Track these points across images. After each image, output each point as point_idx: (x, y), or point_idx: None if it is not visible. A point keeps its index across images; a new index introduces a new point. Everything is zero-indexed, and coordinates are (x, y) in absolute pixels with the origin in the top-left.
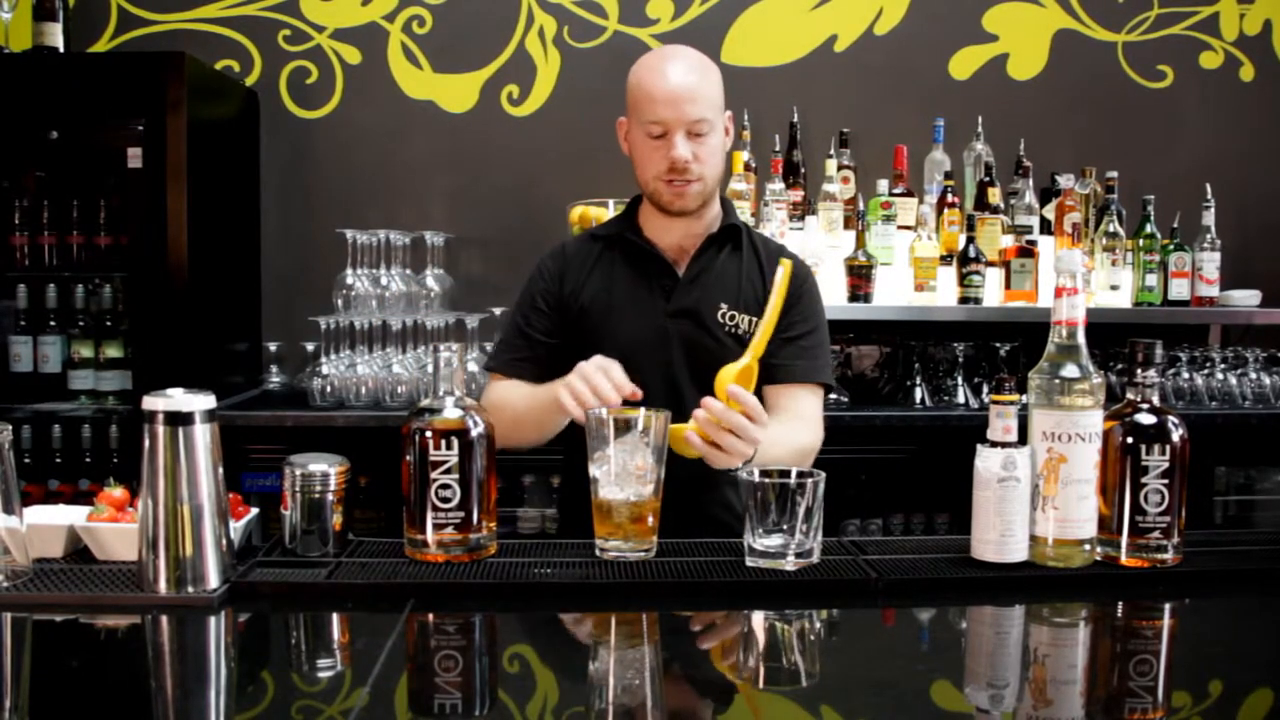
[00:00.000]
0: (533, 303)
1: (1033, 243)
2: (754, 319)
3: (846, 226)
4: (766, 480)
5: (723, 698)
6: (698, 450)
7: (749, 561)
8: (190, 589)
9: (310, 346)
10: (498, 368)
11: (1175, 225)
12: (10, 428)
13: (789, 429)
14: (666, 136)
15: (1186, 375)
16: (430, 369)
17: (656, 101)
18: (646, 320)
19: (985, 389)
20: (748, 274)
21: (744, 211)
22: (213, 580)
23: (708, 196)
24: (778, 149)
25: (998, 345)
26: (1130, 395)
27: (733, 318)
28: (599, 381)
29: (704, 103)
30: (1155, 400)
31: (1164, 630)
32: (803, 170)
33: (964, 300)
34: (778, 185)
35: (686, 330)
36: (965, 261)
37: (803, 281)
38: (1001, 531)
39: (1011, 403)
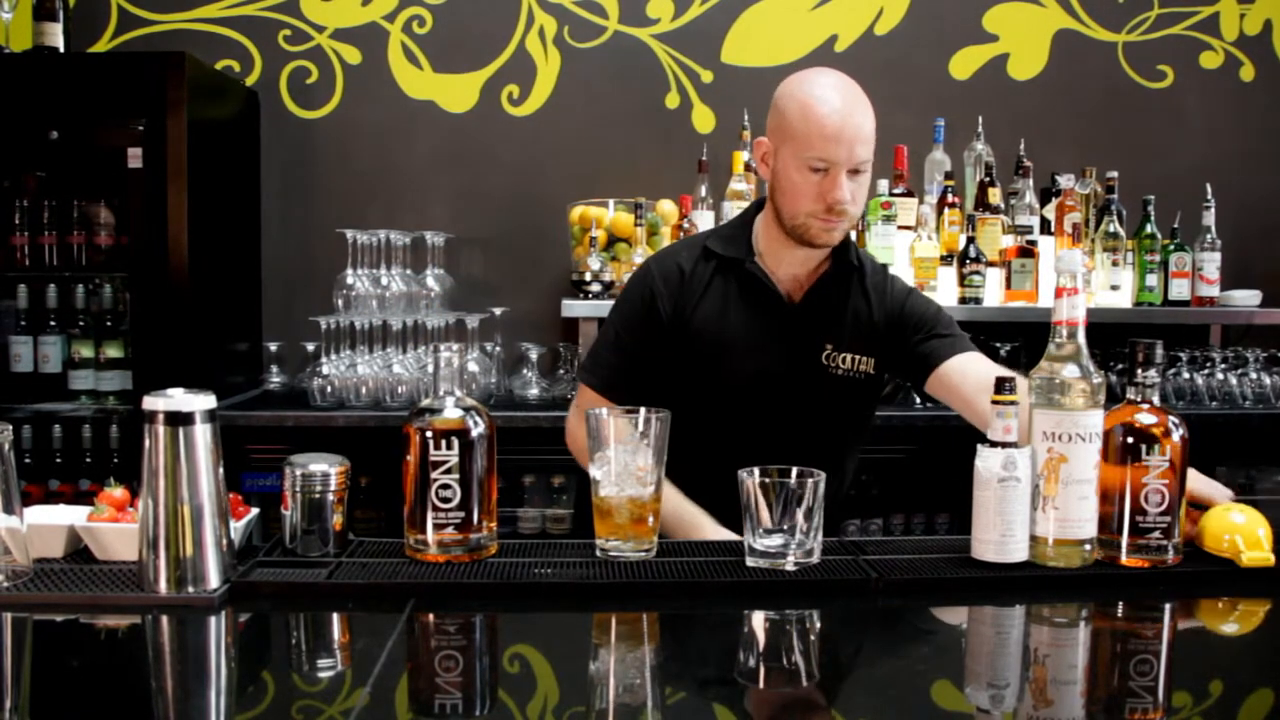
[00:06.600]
0: (645, 319)
1: (1033, 243)
2: (856, 357)
3: None
4: (766, 480)
5: (723, 698)
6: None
7: (749, 561)
8: (190, 589)
9: (310, 346)
10: (599, 385)
11: (1175, 225)
12: (10, 428)
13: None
14: (830, 173)
15: (1187, 375)
16: (430, 369)
17: (828, 139)
18: (755, 358)
19: None
20: (854, 310)
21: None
22: (213, 580)
23: (848, 232)
24: None
25: (998, 345)
26: (1130, 395)
27: (841, 359)
28: None
29: (870, 143)
30: (1155, 400)
31: (1164, 630)
32: None
33: (964, 300)
34: None
35: (794, 369)
36: (965, 261)
37: (902, 290)
38: (1002, 531)
39: (1012, 403)
